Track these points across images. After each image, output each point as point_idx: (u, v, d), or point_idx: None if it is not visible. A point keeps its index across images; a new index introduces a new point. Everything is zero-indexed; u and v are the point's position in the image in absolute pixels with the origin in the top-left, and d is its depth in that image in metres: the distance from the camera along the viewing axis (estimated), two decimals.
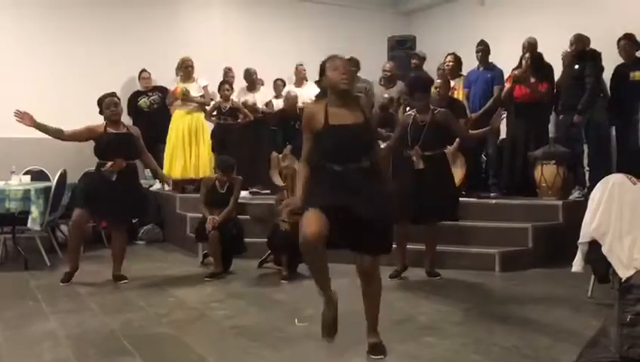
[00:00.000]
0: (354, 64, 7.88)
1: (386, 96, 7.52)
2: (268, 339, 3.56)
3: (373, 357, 3.20)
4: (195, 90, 7.63)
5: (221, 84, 7.61)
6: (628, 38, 6.38)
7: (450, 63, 7.27)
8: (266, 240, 5.51)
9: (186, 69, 7.60)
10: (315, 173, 3.18)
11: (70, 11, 8.02)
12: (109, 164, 4.97)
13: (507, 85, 6.82)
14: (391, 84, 7.94)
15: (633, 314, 2.33)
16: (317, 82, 3.34)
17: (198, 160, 7.60)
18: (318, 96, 3.29)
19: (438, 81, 6.15)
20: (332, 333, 3.15)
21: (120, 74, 8.12)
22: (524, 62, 6.61)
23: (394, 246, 5.10)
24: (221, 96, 7.55)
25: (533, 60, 6.55)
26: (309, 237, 2.90)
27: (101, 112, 5.14)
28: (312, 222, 2.92)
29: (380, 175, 3.36)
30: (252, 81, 8.01)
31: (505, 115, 5.70)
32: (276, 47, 8.97)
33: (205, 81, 7.74)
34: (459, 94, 7.09)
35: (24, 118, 4.81)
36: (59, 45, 7.89)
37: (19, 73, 7.57)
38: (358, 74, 8.14)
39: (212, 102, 7.71)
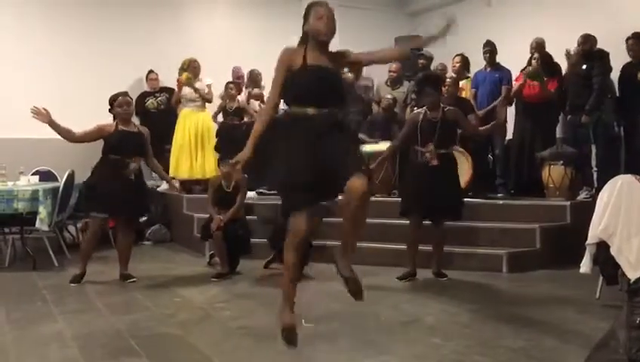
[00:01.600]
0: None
1: (388, 97, 7.52)
2: (274, 340, 3.55)
3: (354, 296, 2.95)
4: (199, 87, 7.65)
5: (227, 83, 7.62)
6: (636, 37, 6.33)
7: (458, 64, 7.25)
8: (269, 241, 5.51)
9: (193, 70, 7.62)
10: (285, 128, 3.03)
11: (76, 11, 8.04)
12: (134, 163, 5.02)
13: (516, 84, 6.79)
14: (397, 85, 7.93)
15: None
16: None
17: (204, 161, 7.61)
18: (299, 42, 3.18)
19: (448, 80, 6.15)
20: (296, 340, 3.02)
21: (127, 75, 8.13)
22: (533, 62, 6.58)
23: (405, 247, 5.16)
24: (226, 96, 7.57)
25: (543, 60, 6.52)
26: (300, 232, 2.93)
27: (111, 110, 5.17)
28: (297, 226, 2.94)
29: (350, 131, 3.27)
30: (256, 81, 8.01)
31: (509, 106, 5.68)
32: (281, 47, 8.94)
33: (210, 80, 7.76)
34: (466, 95, 7.07)
35: (40, 114, 4.84)
36: (65, 46, 7.91)
37: (24, 75, 7.60)
38: (363, 73, 8.14)
39: (215, 100, 7.72)
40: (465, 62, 7.30)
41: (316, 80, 3.01)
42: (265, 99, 7.74)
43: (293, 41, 3.24)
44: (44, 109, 4.87)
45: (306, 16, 3.13)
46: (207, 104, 7.80)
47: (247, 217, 5.95)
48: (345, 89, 3.20)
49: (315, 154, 2.90)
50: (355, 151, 3.09)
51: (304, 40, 3.15)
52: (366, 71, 8.37)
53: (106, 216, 5.22)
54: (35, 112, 4.84)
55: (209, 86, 7.74)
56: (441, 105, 5.06)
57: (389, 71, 8.02)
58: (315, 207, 2.99)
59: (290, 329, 3.01)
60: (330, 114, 2.99)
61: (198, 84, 7.61)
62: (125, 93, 5.25)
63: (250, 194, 6.23)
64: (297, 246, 3.00)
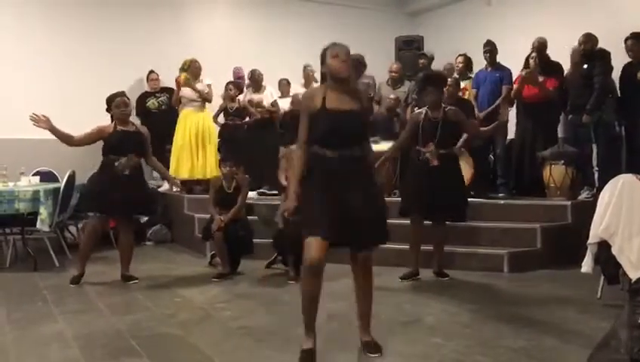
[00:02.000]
0: (359, 62, 7.88)
1: (391, 97, 7.51)
2: (275, 340, 3.56)
3: (372, 354, 3.22)
4: (199, 87, 7.67)
5: (227, 84, 7.63)
6: (634, 37, 6.33)
7: (461, 64, 7.25)
8: (272, 241, 5.52)
9: (195, 71, 7.63)
10: (309, 173, 3.15)
11: (76, 12, 8.06)
12: (124, 158, 5.00)
13: (515, 86, 6.79)
14: (398, 85, 7.93)
15: None
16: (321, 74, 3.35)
17: (205, 161, 7.62)
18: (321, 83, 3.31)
19: (450, 80, 6.14)
20: None
21: (128, 74, 8.14)
22: (531, 61, 6.58)
23: (407, 247, 5.17)
24: (226, 97, 7.57)
25: (541, 59, 6.52)
26: (314, 261, 3.00)
27: (108, 110, 5.18)
28: (314, 247, 2.99)
29: (371, 168, 3.37)
30: (257, 83, 8.02)
31: (510, 108, 5.69)
32: (281, 47, 8.98)
33: (210, 80, 7.77)
34: (469, 95, 7.07)
35: (40, 121, 4.85)
36: (65, 46, 7.93)
37: (24, 74, 7.62)
38: (365, 72, 8.14)
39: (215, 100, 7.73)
40: (468, 63, 7.30)
41: (333, 124, 3.09)
42: (265, 104, 7.79)
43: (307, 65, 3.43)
44: (44, 116, 4.87)
45: (322, 60, 3.20)
46: (207, 104, 7.80)
47: (248, 217, 5.95)
48: (367, 124, 3.28)
49: (335, 199, 3.02)
50: (373, 192, 3.18)
51: (324, 80, 3.25)
52: (367, 70, 8.38)
53: (104, 216, 5.20)
54: (34, 120, 4.84)
55: (209, 86, 7.74)
56: (443, 104, 5.05)
57: (390, 71, 8.02)
58: (330, 238, 3.04)
59: (306, 353, 3.12)
60: (349, 155, 3.09)
61: (197, 85, 7.62)
62: (122, 94, 5.24)
63: (251, 194, 6.24)
64: (313, 273, 3.05)
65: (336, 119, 3.09)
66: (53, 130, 4.92)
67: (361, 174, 3.14)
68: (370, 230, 3.11)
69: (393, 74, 7.95)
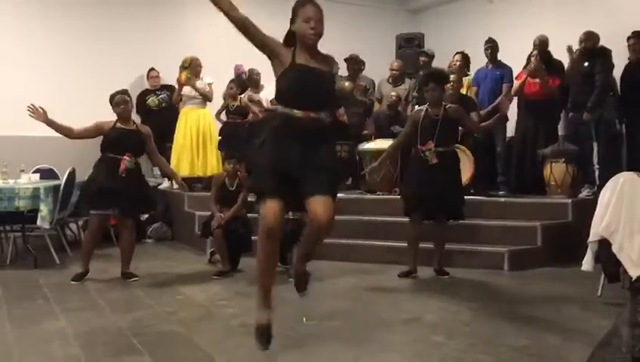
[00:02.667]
0: (356, 62, 7.88)
1: (393, 94, 7.51)
2: (275, 338, 3.55)
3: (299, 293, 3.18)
4: (200, 87, 7.65)
5: (229, 82, 7.62)
6: (636, 36, 6.33)
7: (458, 62, 7.23)
8: None
9: (195, 68, 7.61)
10: (272, 122, 3.03)
11: (76, 10, 8.03)
12: (128, 160, 4.99)
13: (517, 82, 6.79)
14: (399, 83, 7.93)
15: None
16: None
17: (205, 158, 7.61)
18: (285, 40, 3.10)
19: (452, 76, 6.14)
20: (269, 341, 3.01)
21: (128, 73, 8.12)
22: (532, 59, 6.57)
23: (406, 245, 5.17)
24: (227, 95, 7.56)
25: (542, 57, 6.51)
26: (270, 224, 2.86)
27: (113, 109, 5.18)
28: (270, 213, 2.86)
29: (335, 137, 3.24)
30: (255, 82, 8.01)
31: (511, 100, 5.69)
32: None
33: (211, 79, 7.76)
34: (466, 92, 7.05)
35: (37, 113, 4.85)
36: (65, 45, 7.90)
37: (25, 73, 7.59)
38: (364, 72, 8.14)
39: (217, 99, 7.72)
40: (465, 60, 7.29)
41: (303, 81, 2.96)
42: (264, 103, 7.78)
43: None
44: (41, 108, 4.87)
45: (293, 15, 3.05)
46: (208, 102, 7.80)
47: (249, 215, 5.95)
48: (333, 89, 3.16)
49: (295, 155, 2.90)
50: (332, 169, 3.04)
51: (291, 38, 3.07)
52: (367, 67, 8.38)
53: (105, 213, 5.19)
54: (31, 110, 4.84)
55: (209, 85, 7.73)
56: (443, 102, 5.05)
57: (391, 69, 8.02)
58: (286, 201, 2.91)
59: (262, 328, 2.98)
60: (317, 118, 2.96)
61: (198, 83, 7.61)
62: (124, 91, 5.24)
63: None
64: (268, 235, 2.90)
65: (307, 75, 2.96)
66: (51, 123, 4.92)
67: (324, 140, 3.00)
68: (323, 177, 2.93)
69: (394, 71, 7.95)
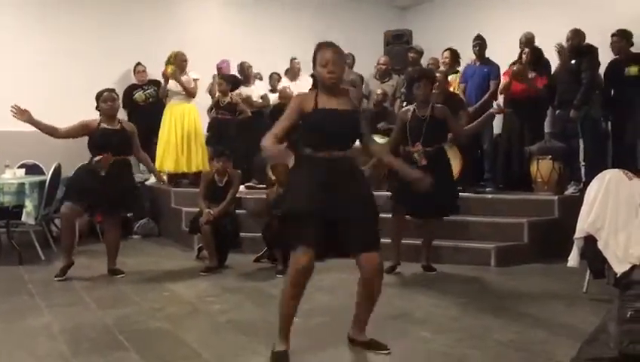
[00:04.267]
0: (345, 58, 7.88)
1: (379, 92, 7.51)
2: (263, 334, 3.54)
3: (382, 351, 3.20)
4: (186, 83, 7.61)
5: (220, 78, 7.59)
6: (619, 34, 6.39)
7: (447, 59, 7.25)
8: (261, 234, 5.50)
9: (180, 63, 7.57)
10: (299, 168, 3.09)
11: (64, 5, 7.96)
12: (97, 158, 4.96)
13: (504, 79, 6.82)
14: (386, 78, 7.93)
15: (633, 311, 2.31)
16: (312, 76, 3.35)
17: (190, 154, 7.56)
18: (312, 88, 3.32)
19: (438, 75, 6.14)
20: None
21: (115, 67, 8.08)
22: (524, 56, 6.60)
23: (389, 240, 5.17)
24: (217, 91, 7.53)
25: (534, 55, 6.54)
26: (303, 270, 2.95)
27: (97, 107, 5.12)
28: (303, 259, 2.94)
29: (361, 171, 3.31)
30: (246, 76, 7.98)
31: (500, 110, 5.70)
32: (271, 41, 8.94)
33: (196, 74, 7.72)
34: (454, 89, 7.07)
35: (21, 113, 4.80)
36: (53, 40, 7.82)
37: (13, 67, 7.52)
38: (353, 68, 8.14)
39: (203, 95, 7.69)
40: (454, 56, 7.31)
41: (326, 124, 3.05)
42: (254, 98, 7.77)
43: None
44: (25, 110, 4.82)
45: (314, 60, 3.14)
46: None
47: (237, 211, 5.93)
48: (359, 125, 3.19)
49: (329, 200, 2.97)
50: (373, 213, 3.14)
51: (315, 82, 3.22)
52: (356, 63, 8.38)
53: (76, 205, 5.07)
54: (16, 111, 4.79)
55: (195, 81, 7.69)
56: (430, 102, 5.04)
57: (378, 63, 8.01)
58: (318, 247, 2.99)
59: (280, 354, 3.07)
60: (342, 157, 3.06)
61: (184, 78, 7.56)
62: (111, 90, 5.19)
63: (240, 188, 6.20)
64: (299, 281, 3.00)
65: (330, 119, 3.06)
66: (35, 123, 4.88)
67: (352, 177, 3.09)
68: (368, 231, 3.07)
69: (381, 66, 7.95)
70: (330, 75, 3.06)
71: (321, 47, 3.12)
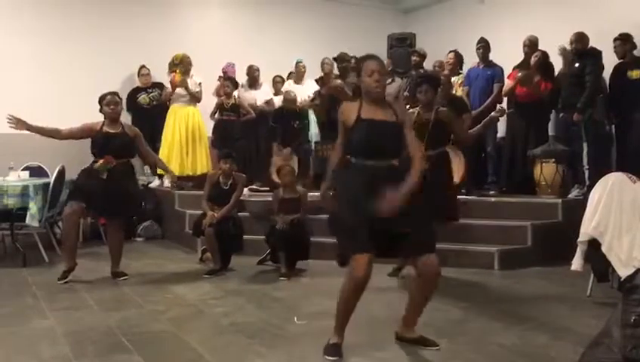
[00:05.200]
0: (344, 60, 7.88)
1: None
2: (266, 337, 3.55)
3: (433, 348, 3.29)
4: (191, 86, 7.67)
5: (223, 80, 7.61)
6: (622, 38, 6.38)
7: (451, 60, 7.25)
8: (264, 237, 5.51)
9: (187, 67, 7.61)
10: (345, 175, 3.22)
11: (67, 8, 7.98)
12: (99, 161, 4.97)
13: (508, 82, 6.81)
14: (388, 81, 7.91)
15: (637, 315, 2.30)
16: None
17: (195, 157, 7.58)
18: (354, 95, 3.45)
19: (443, 78, 6.14)
20: (340, 355, 3.19)
21: (119, 70, 8.09)
22: (533, 58, 6.59)
23: None
24: (224, 93, 7.54)
25: (542, 59, 6.54)
26: (362, 279, 3.03)
27: (101, 110, 5.13)
28: (363, 265, 3.00)
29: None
30: (254, 78, 7.99)
31: (502, 112, 5.70)
32: (274, 44, 8.95)
33: (200, 78, 7.75)
34: (457, 91, 7.08)
35: (17, 123, 4.83)
36: (57, 43, 7.85)
37: (17, 70, 7.54)
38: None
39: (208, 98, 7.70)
40: (458, 59, 7.31)
41: (369, 134, 3.15)
42: (259, 102, 7.80)
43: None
44: (20, 120, 4.86)
45: (358, 70, 3.27)
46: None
47: (240, 214, 5.94)
48: (403, 135, 3.26)
49: (375, 211, 3.01)
50: (427, 216, 3.24)
51: (359, 93, 3.31)
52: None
53: (82, 205, 5.04)
54: (12, 122, 4.82)
55: (199, 85, 7.73)
56: (434, 105, 5.04)
57: None
58: (374, 253, 3.06)
59: (336, 346, 3.19)
60: (386, 165, 3.14)
61: (190, 83, 7.59)
62: (114, 93, 5.21)
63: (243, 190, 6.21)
64: (357, 288, 3.08)
65: (373, 128, 3.16)
66: (34, 130, 4.91)
67: (399, 184, 3.11)
68: (423, 233, 3.15)
69: None
70: (377, 85, 3.18)
71: (366, 58, 3.26)
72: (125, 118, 5.97)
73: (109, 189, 4.96)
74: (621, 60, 6.48)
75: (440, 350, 3.26)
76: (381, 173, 3.11)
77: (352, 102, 3.37)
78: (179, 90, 7.59)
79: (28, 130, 4.89)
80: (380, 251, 3.12)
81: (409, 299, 3.36)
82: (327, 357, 3.14)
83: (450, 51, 7.31)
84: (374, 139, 3.15)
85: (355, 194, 3.11)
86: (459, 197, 5.37)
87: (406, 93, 7.37)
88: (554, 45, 6.52)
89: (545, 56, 6.62)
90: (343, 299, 3.16)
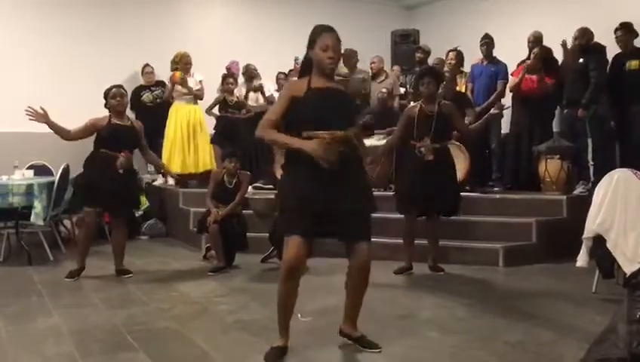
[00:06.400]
0: (349, 57, 7.87)
1: (383, 90, 7.50)
2: (271, 334, 3.54)
3: (374, 350, 3.19)
4: (191, 84, 7.68)
5: (225, 77, 7.60)
6: (624, 27, 6.31)
7: (453, 60, 7.22)
8: (268, 235, 5.51)
9: (185, 65, 7.62)
10: (292, 155, 3.01)
11: (71, 7, 8.00)
12: (122, 157, 4.95)
13: (512, 79, 6.79)
14: (381, 78, 7.89)
15: None
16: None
17: (197, 154, 7.59)
18: (302, 67, 3.16)
19: (446, 74, 6.14)
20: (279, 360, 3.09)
21: (123, 69, 8.09)
22: (532, 56, 6.57)
23: (401, 242, 5.18)
24: (225, 90, 7.54)
25: (543, 53, 6.51)
26: (293, 262, 2.92)
27: (106, 104, 5.13)
28: (294, 248, 2.91)
29: (361, 159, 3.20)
30: (251, 77, 7.98)
31: (506, 107, 5.71)
32: (277, 42, 8.93)
33: (201, 75, 7.75)
34: (460, 89, 7.06)
35: (37, 115, 4.80)
36: (60, 42, 7.87)
37: (21, 69, 7.56)
38: (357, 65, 8.12)
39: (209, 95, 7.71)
40: (460, 58, 7.28)
41: (322, 103, 2.97)
42: (265, 91, 7.78)
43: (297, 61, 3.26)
44: (42, 108, 4.82)
45: (311, 42, 3.05)
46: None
47: (244, 211, 5.93)
48: (354, 107, 3.13)
49: (323, 186, 2.92)
50: (369, 210, 3.12)
51: (308, 64, 3.10)
52: (360, 65, 8.36)
53: (100, 210, 5.17)
54: (31, 114, 4.79)
55: (200, 82, 7.73)
56: (437, 99, 5.04)
57: (371, 64, 7.99)
58: (310, 237, 2.97)
59: (277, 349, 3.09)
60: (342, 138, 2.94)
61: (191, 82, 7.60)
62: (119, 86, 5.20)
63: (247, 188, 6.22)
64: (289, 275, 2.97)
65: (325, 97, 2.97)
66: (51, 125, 4.89)
67: (350, 163, 3.00)
68: (356, 224, 3.03)
69: (372, 65, 7.94)
70: (330, 61, 3.00)
71: (321, 30, 3.03)
72: (129, 115, 5.96)
73: (117, 185, 4.97)
74: (619, 52, 6.42)
75: (381, 352, 3.18)
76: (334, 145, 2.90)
77: (300, 79, 3.14)
78: (181, 88, 7.60)
79: (46, 123, 4.86)
80: (321, 232, 3.01)
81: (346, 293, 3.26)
82: None
83: (450, 50, 7.26)
84: (328, 106, 2.95)
85: (301, 173, 2.94)
86: (461, 193, 5.34)
87: (410, 90, 7.38)
88: (558, 41, 6.49)
89: (545, 51, 6.59)
90: (279, 290, 3.03)
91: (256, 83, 7.86)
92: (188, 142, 7.56)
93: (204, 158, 7.61)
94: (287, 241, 2.95)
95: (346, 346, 3.29)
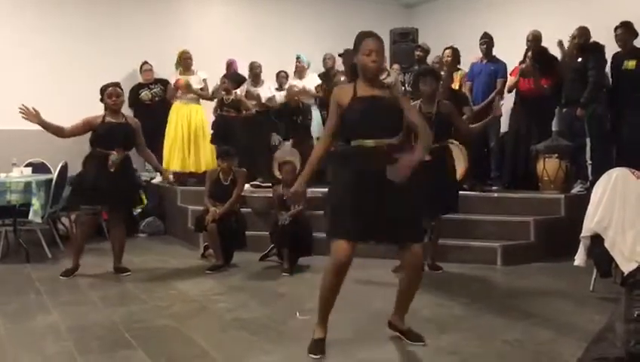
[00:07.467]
0: (349, 57, 7.85)
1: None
2: (269, 332, 3.56)
3: (419, 343, 3.29)
4: (195, 83, 7.67)
5: (223, 77, 7.60)
6: (624, 26, 6.31)
7: (449, 58, 7.21)
8: (267, 233, 5.51)
9: (185, 61, 7.61)
10: (341, 157, 3.15)
11: (71, 6, 7.98)
12: (114, 154, 4.94)
13: (511, 78, 6.79)
14: (383, 75, 7.86)
15: None
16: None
17: (198, 154, 7.58)
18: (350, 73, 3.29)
19: (443, 73, 6.14)
20: (322, 352, 3.15)
21: (121, 66, 8.07)
22: (527, 60, 6.57)
23: None
24: (223, 89, 7.53)
25: (538, 55, 6.51)
26: (344, 259, 3.01)
27: (102, 100, 5.12)
28: (343, 248, 3.00)
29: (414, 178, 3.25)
30: (256, 75, 7.98)
31: (501, 104, 5.71)
32: (277, 40, 8.92)
33: (205, 74, 7.73)
34: (456, 87, 7.05)
35: (29, 115, 4.79)
36: (60, 40, 7.84)
37: (19, 67, 7.54)
38: None
39: (213, 95, 7.70)
40: (456, 55, 7.27)
41: (368, 110, 3.07)
42: (262, 99, 7.77)
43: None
44: (34, 109, 4.81)
45: (355, 47, 3.15)
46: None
47: (242, 210, 5.94)
48: (401, 113, 3.17)
49: (375, 194, 3.01)
50: (419, 212, 3.27)
51: (354, 70, 3.20)
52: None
53: (96, 208, 5.16)
54: (24, 112, 4.77)
55: (204, 81, 7.71)
56: (436, 99, 5.04)
57: None
58: (357, 240, 3.07)
59: (318, 341, 3.17)
60: (387, 144, 3.04)
61: (193, 79, 7.58)
62: (116, 84, 5.17)
63: (245, 186, 6.21)
64: (338, 272, 3.06)
65: (370, 104, 3.07)
66: (44, 124, 4.88)
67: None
68: (412, 224, 3.15)
69: None
70: (374, 64, 3.09)
71: (364, 35, 3.15)
72: (127, 113, 5.95)
73: (113, 182, 4.96)
74: (618, 51, 6.41)
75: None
76: (380, 153, 3.02)
77: (346, 84, 3.26)
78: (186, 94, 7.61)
79: (38, 123, 4.85)
80: (368, 235, 3.12)
81: (397, 290, 3.38)
82: (311, 356, 3.11)
83: (447, 48, 7.25)
84: (373, 115, 3.05)
85: (351, 178, 3.05)
86: (460, 192, 5.34)
87: (409, 89, 7.37)
88: (557, 40, 6.49)
89: (540, 51, 6.58)
90: (325, 286, 3.12)
91: (253, 91, 7.82)
92: (188, 142, 7.55)
93: (206, 158, 7.58)
94: (336, 243, 3.04)
95: (347, 343, 3.29)
